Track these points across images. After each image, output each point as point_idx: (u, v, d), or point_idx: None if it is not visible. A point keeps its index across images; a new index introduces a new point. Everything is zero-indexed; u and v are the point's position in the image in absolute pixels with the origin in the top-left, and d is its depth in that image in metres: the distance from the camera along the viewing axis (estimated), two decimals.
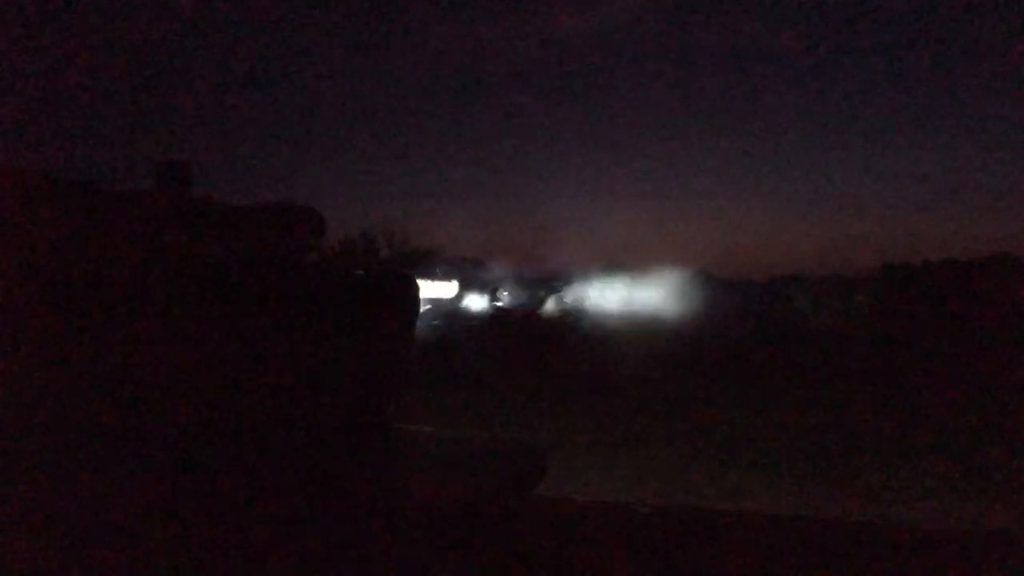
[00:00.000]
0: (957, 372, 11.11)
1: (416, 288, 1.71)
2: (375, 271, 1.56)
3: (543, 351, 14.65)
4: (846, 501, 4.55)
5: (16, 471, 1.04)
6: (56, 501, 1.06)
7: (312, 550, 1.15)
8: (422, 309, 1.75)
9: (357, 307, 1.52)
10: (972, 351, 14.31)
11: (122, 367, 1.14)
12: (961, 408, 7.89)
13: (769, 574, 1.31)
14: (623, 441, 6.21)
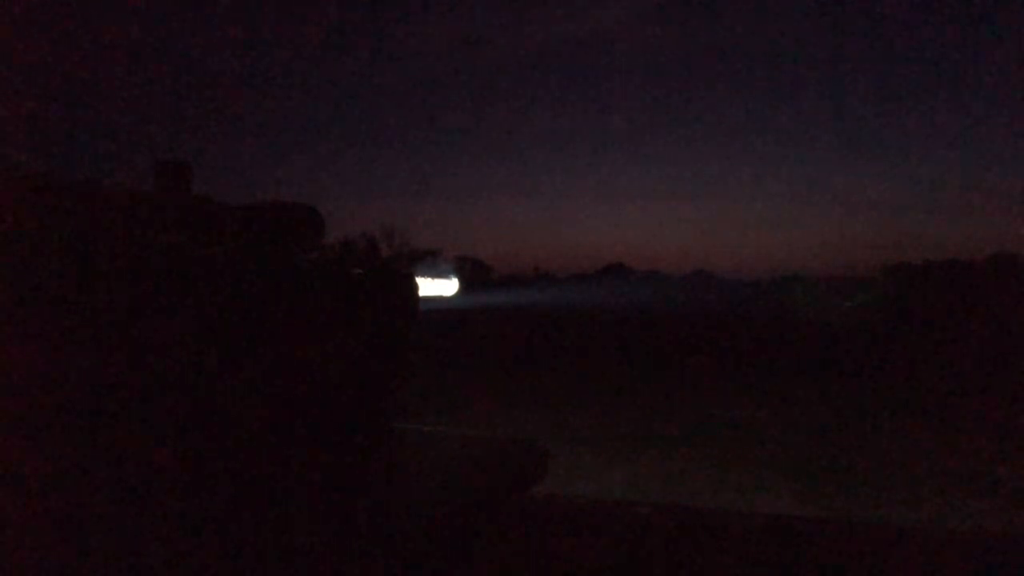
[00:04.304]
0: (958, 371, 11.11)
1: (416, 287, 1.71)
2: (375, 271, 1.56)
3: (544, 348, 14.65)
4: (847, 501, 4.55)
5: (15, 474, 1.04)
6: (54, 504, 1.06)
7: (313, 549, 1.15)
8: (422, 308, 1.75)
9: (357, 307, 1.52)
10: (972, 350, 14.30)
11: (122, 368, 1.14)
12: (962, 407, 7.88)
13: (769, 574, 1.31)
14: (624, 440, 6.21)
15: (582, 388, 9.37)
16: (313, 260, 1.54)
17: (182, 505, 1.14)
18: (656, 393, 8.96)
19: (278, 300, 1.36)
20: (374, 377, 1.55)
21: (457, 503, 1.45)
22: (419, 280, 1.76)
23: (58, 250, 1.12)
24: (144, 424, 1.15)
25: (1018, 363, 12.15)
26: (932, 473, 5.16)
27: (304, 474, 1.33)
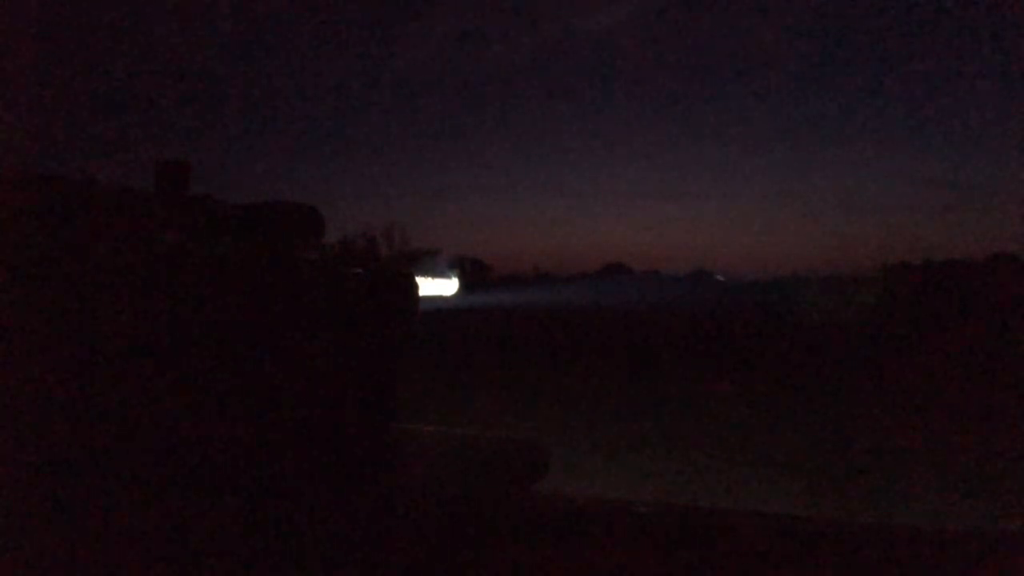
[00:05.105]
0: (958, 371, 11.11)
1: (416, 287, 1.71)
2: (375, 270, 1.56)
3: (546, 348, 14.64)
4: (847, 501, 4.55)
5: (13, 475, 1.04)
6: (53, 506, 1.06)
7: (313, 550, 1.15)
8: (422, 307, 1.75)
9: (356, 306, 1.52)
10: (972, 350, 14.30)
11: (122, 367, 1.14)
12: (962, 407, 7.89)
13: (769, 574, 1.31)
14: (624, 440, 6.21)
15: (582, 387, 9.37)
16: (313, 260, 1.54)
17: (180, 504, 1.14)
18: (656, 392, 8.96)
19: (277, 300, 1.36)
20: (373, 377, 1.55)
21: (456, 503, 1.45)
22: (419, 280, 1.76)
23: (57, 250, 1.12)
24: (143, 425, 1.15)
25: (1018, 363, 12.15)
26: (933, 473, 5.16)
27: (302, 474, 1.33)
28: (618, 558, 1.37)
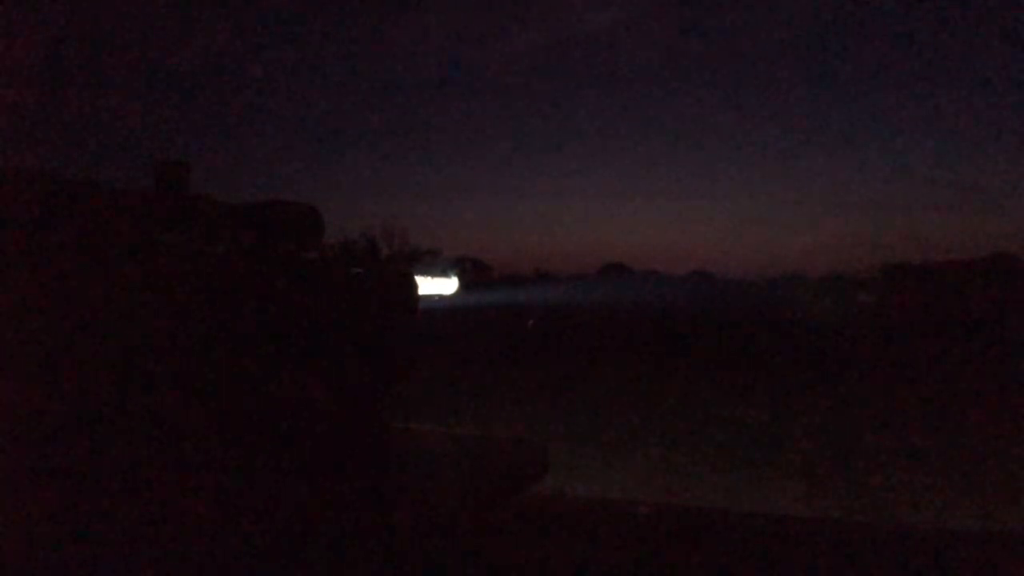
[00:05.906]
0: (957, 372, 11.11)
1: (415, 286, 1.71)
2: (375, 270, 1.57)
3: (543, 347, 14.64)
4: (847, 501, 4.55)
5: (15, 465, 1.04)
6: (53, 496, 1.06)
7: (313, 549, 1.15)
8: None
9: (356, 305, 1.52)
10: (972, 351, 14.31)
11: (122, 365, 1.14)
12: (962, 408, 7.89)
13: (769, 574, 1.31)
14: (624, 439, 6.21)
15: (582, 387, 9.37)
16: (313, 259, 1.54)
17: (180, 502, 1.14)
18: (656, 392, 8.96)
19: (278, 299, 1.36)
20: (374, 375, 1.55)
21: (457, 502, 1.45)
22: (419, 279, 1.76)
23: (58, 249, 1.12)
24: (142, 421, 1.15)
25: (1018, 363, 12.16)
26: (934, 473, 5.16)
27: (304, 473, 1.33)
28: (618, 558, 1.36)
